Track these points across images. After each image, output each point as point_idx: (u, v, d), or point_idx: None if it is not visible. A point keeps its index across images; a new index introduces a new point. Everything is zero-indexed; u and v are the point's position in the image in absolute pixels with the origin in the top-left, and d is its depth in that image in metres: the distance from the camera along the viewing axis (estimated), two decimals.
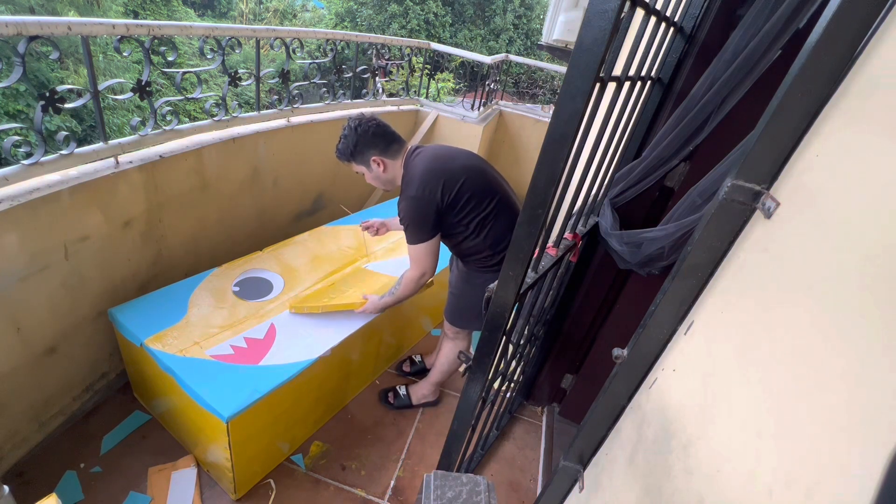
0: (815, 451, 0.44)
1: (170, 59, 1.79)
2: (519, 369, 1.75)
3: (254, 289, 1.87)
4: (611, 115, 1.09)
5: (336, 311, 1.78)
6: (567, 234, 1.37)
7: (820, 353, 0.47)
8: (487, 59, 3.73)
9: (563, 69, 4.31)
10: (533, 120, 4.20)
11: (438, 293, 2.11)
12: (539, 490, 1.84)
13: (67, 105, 1.41)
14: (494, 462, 1.93)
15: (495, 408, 1.72)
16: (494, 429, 1.94)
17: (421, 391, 2.06)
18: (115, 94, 1.88)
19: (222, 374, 1.46)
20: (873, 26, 0.52)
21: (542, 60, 6.12)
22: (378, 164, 1.54)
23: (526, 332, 1.48)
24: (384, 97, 3.38)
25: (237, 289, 1.85)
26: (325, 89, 2.73)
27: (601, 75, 0.78)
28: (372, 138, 1.51)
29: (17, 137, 1.37)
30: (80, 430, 1.72)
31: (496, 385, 1.48)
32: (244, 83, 2.10)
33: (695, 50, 1.30)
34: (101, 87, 1.54)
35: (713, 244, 0.72)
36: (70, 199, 1.48)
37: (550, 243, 1.26)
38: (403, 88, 3.65)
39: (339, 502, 1.67)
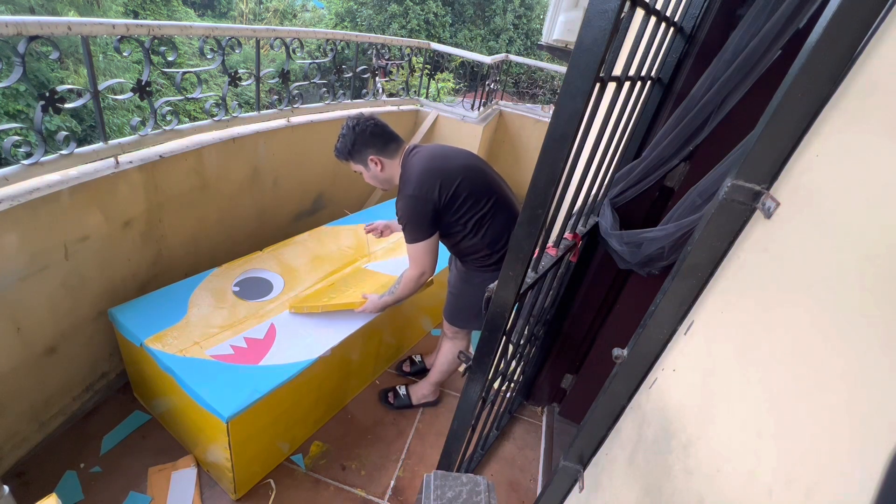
0: (815, 451, 0.44)
1: (170, 59, 1.79)
2: (519, 369, 1.75)
3: (254, 289, 1.87)
4: (611, 115, 1.09)
5: (336, 310, 1.78)
6: (567, 234, 1.37)
7: (820, 353, 0.47)
8: (487, 59, 3.73)
9: (563, 69, 4.30)
10: (533, 120, 4.20)
11: (438, 293, 2.11)
12: (539, 490, 1.84)
13: (67, 105, 1.41)
14: (494, 462, 1.93)
15: (495, 408, 1.72)
16: (494, 429, 1.94)
17: (421, 391, 2.07)
18: (115, 94, 1.88)
19: (222, 374, 1.46)
20: (873, 26, 0.52)
21: (542, 60, 6.13)
22: (375, 164, 1.54)
23: (526, 332, 1.48)
24: (384, 97, 3.38)
25: (237, 289, 1.85)
26: (325, 89, 2.73)
27: (601, 75, 0.78)
28: (369, 137, 1.52)
29: (17, 137, 1.37)
30: (80, 430, 1.72)
31: (496, 385, 1.48)
32: (244, 83, 2.10)
33: (695, 50, 1.30)
34: (101, 87, 1.54)
35: (713, 244, 0.72)
36: (70, 199, 1.48)
37: (550, 243, 1.26)
38: (403, 88, 3.65)
39: (339, 502, 1.67)
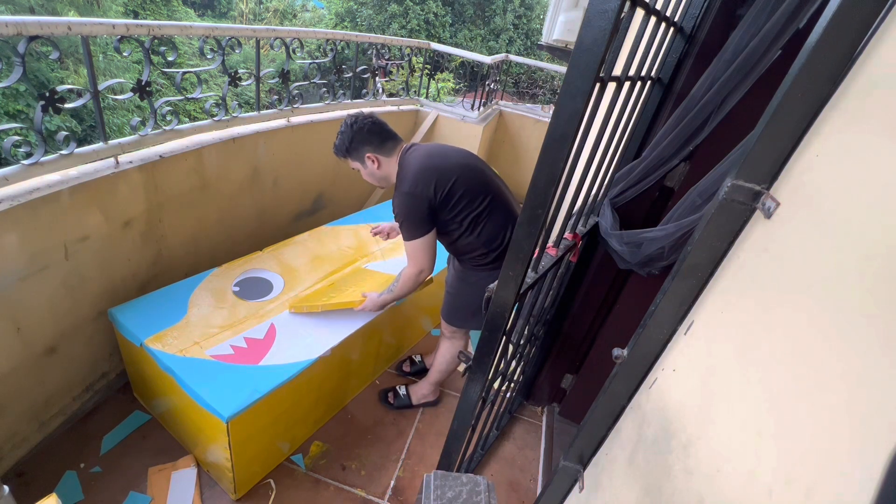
0: (815, 451, 0.44)
1: (170, 59, 1.79)
2: (519, 369, 1.75)
3: (254, 289, 1.87)
4: (611, 115, 1.09)
5: (335, 309, 1.78)
6: (567, 234, 1.37)
7: (820, 353, 0.47)
8: (487, 59, 3.73)
9: (563, 69, 4.31)
10: (533, 120, 4.21)
11: (438, 293, 2.10)
12: (539, 490, 1.84)
13: (67, 105, 1.41)
14: (494, 462, 1.93)
15: (495, 408, 1.72)
16: (494, 429, 1.94)
17: (421, 391, 2.07)
18: (115, 94, 1.88)
19: (222, 374, 1.46)
20: (873, 26, 0.52)
21: (542, 60, 6.13)
22: (372, 161, 1.55)
23: (526, 332, 1.48)
24: (384, 97, 3.38)
25: (237, 289, 1.85)
26: (325, 89, 2.73)
27: (601, 75, 0.78)
28: (367, 135, 1.53)
29: (17, 137, 1.37)
30: (80, 430, 1.72)
31: (496, 385, 1.48)
32: (244, 83, 2.10)
33: (695, 50, 1.30)
34: (101, 87, 1.54)
35: (713, 244, 0.72)
36: (70, 199, 1.48)
37: (550, 243, 1.26)
38: (403, 88, 3.65)
39: (339, 502, 1.67)
